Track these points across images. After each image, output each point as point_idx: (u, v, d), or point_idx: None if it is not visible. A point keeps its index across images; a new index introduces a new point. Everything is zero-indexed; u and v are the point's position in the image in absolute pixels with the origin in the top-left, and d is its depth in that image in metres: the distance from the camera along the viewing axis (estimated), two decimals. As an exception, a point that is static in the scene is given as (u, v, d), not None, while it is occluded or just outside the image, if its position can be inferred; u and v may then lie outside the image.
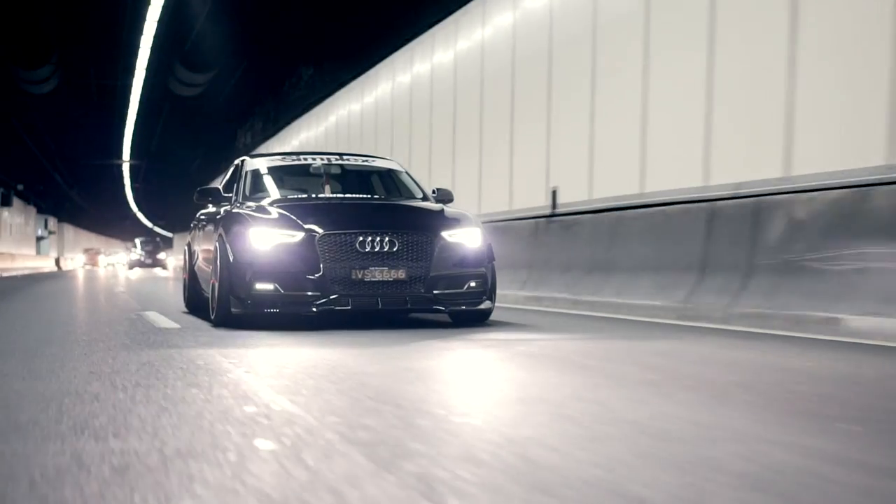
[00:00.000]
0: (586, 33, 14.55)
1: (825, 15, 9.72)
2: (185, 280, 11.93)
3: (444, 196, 10.09)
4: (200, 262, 10.75)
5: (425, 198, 10.12)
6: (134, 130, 50.22)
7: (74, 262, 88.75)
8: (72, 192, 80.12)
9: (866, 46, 9.18)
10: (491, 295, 9.00)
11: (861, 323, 7.75)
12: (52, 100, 39.75)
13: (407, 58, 23.69)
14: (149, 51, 32.60)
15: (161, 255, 72.09)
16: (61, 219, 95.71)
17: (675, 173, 11.95)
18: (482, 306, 8.88)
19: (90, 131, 52.71)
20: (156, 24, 29.49)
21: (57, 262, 75.82)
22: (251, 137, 42.62)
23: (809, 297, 8.59)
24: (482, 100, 19.05)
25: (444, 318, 9.47)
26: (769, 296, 9.11)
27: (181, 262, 40.14)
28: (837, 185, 8.82)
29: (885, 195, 8.20)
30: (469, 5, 20.86)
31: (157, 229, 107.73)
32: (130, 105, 42.66)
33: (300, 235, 8.34)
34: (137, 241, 76.07)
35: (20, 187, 65.13)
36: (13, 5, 29.31)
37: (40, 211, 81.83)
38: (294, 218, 8.56)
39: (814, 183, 9.22)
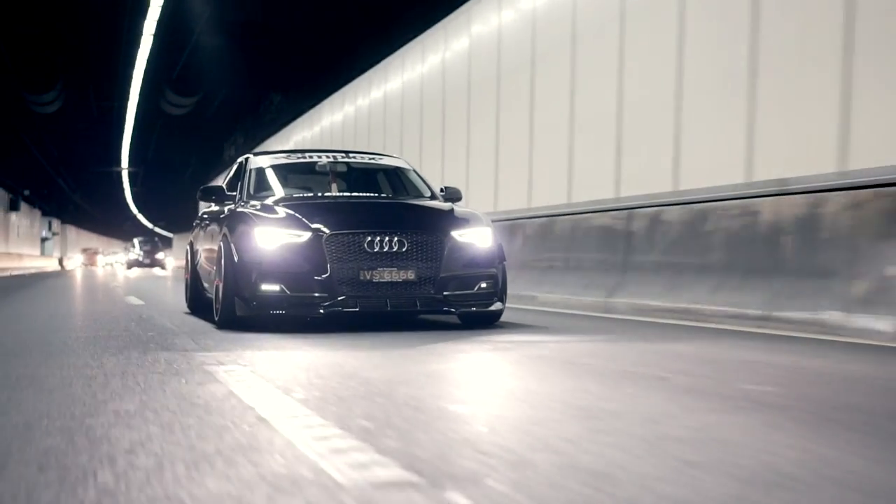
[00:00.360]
0: (459, 90, 19.12)
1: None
2: (186, 280, 11.28)
3: (452, 195, 9.51)
4: (203, 262, 10.18)
5: (433, 196, 9.54)
6: (131, 142, 52.71)
7: (75, 261, 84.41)
8: (74, 196, 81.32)
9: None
10: (502, 296, 8.54)
11: (545, 298, 12.65)
12: (57, 118, 43.07)
13: (338, 100, 27.97)
14: (141, 79, 36.03)
15: (159, 255, 67.18)
16: (64, 220, 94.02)
17: (483, 201, 16.80)
18: (493, 307, 8.45)
19: (91, 143, 55.27)
20: (146, 60, 32.79)
21: (60, 261, 76.90)
22: (235, 150, 44.32)
23: (527, 283, 13.20)
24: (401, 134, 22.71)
25: (453, 319, 8.96)
26: (512, 283, 13.32)
27: (180, 263, 34.94)
28: (542, 214, 14.02)
29: (560, 222, 13.31)
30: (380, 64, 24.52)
31: (157, 230, 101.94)
32: (127, 122, 45.40)
33: (307, 235, 7.94)
34: (136, 240, 70.68)
35: (27, 192, 66.67)
36: (23, 40, 32.78)
37: (45, 213, 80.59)
38: (300, 217, 8.12)
39: (536, 212, 14.48)
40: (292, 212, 8.30)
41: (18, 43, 33.18)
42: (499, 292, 8.53)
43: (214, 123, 46.37)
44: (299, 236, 7.99)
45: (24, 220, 69.83)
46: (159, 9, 26.55)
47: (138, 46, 31.23)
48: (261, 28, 31.22)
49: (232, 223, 8.52)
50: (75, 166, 66.01)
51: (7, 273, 40.55)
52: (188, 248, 11.37)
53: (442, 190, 9.65)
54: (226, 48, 33.40)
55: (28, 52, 34.35)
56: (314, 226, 8.04)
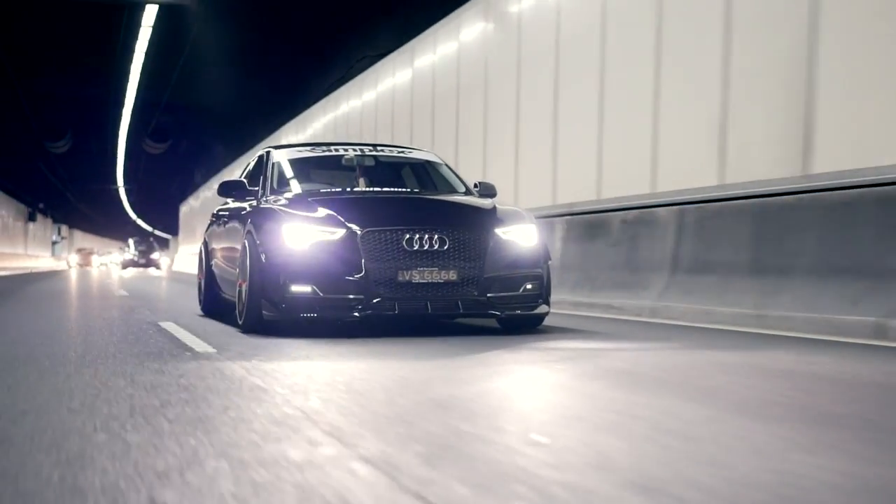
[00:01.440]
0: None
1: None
2: (199, 281, 7.67)
3: (486, 190, 6.50)
4: (221, 262, 6.97)
5: (468, 192, 6.47)
6: (123, 169, 51.30)
7: (71, 261, 67.15)
8: (80, 206, 72.90)
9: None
10: (547, 298, 5.75)
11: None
12: (66, 155, 42.22)
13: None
14: (126, 131, 36.94)
15: (155, 255, 49.53)
16: (72, 226, 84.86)
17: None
18: (538, 310, 5.62)
19: (93, 169, 52.73)
20: (128, 121, 34.67)
21: (67, 262, 68.96)
22: (201, 176, 45.59)
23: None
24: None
25: (490, 322, 6.05)
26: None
27: (169, 262, 32.14)
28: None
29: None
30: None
31: (157, 232, 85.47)
32: (119, 158, 45.40)
33: (340, 232, 5.23)
34: (131, 241, 52.68)
35: (41, 205, 62.13)
36: (44, 106, 34.48)
37: (55, 220, 73.52)
38: (333, 213, 5.41)
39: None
40: (323, 207, 5.58)
41: (40, 108, 34.90)
42: (544, 294, 5.74)
43: (184, 159, 45.82)
44: (332, 233, 5.30)
45: (39, 227, 64.39)
46: (136, 86, 28.43)
47: (122, 112, 33.31)
48: (204, 107, 31.89)
49: (257, 220, 5.73)
50: (80, 184, 60.01)
51: (28, 270, 38.90)
52: (202, 247, 7.76)
53: (476, 185, 6.61)
54: (184, 115, 35.16)
55: (47, 114, 35.93)
56: (348, 222, 5.36)
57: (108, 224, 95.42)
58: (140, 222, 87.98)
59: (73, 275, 26.41)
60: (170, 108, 32.69)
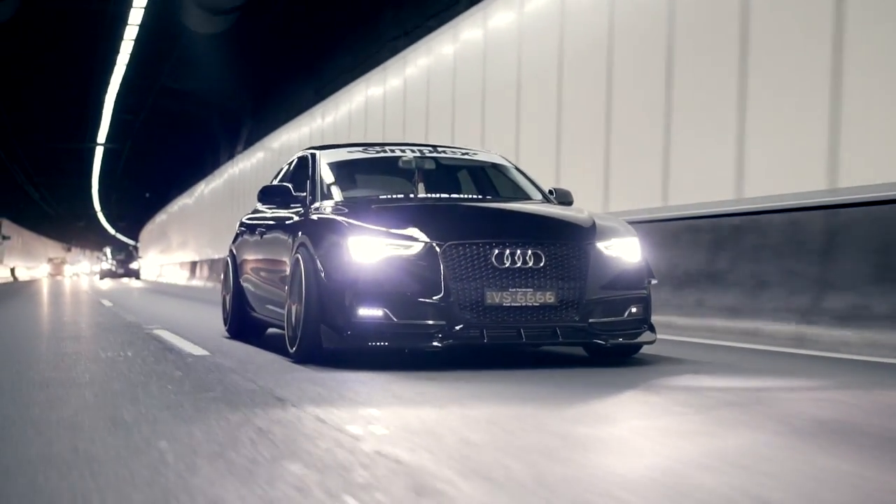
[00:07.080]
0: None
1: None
2: (224, 298, 5.50)
3: (562, 197, 4.43)
4: (253, 277, 4.95)
5: (546, 199, 4.44)
6: (111, 226, 63.32)
7: (42, 270, 52.62)
8: (92, 238, 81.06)
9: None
10: (651, 324, 3.86)
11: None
12: (86, 226, 56.30)
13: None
14: (106, 223, 46.85)
15: (134, 265, 37.45)
16: (91, 250, 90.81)
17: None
18: (642, 338, 3.80)
19: (95, 228, 65.46)
20: (99, 203, 43.22)
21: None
22: (146, 217, 49.50)
23: None
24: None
25: (575, 350, 4.06)
26: None
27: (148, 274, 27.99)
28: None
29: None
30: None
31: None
32: (105, 225, 56.40)
33: (416, 246, 3.58)
34: (107, 249, 40.12)
35: (73, 241, 78.04)
36: (65, 203, 47.07)
37: (81, 248, 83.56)
38: (406, 223, 3.68)
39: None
40: (393, 216, 3.71)
41: (59, 195, 43.94)
42: (649, 319, 3.85)
43: (132, 224, 53.00)
44: (407, 247, 3.54)
45: (71, 254, 76.34)
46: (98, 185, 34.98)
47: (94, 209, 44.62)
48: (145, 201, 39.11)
49: (313, 230, 3.85)
50: (94, 230, 71.10)
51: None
52: (228, 259, 5.40)
53: (551, 192, 4.46)
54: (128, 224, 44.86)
55: (71, 209, 47.31)
56: (425, 234, 3.52)
57: (111, 244, 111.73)
58: (133, 242, 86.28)
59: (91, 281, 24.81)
60: (119, 215, 47.07)
